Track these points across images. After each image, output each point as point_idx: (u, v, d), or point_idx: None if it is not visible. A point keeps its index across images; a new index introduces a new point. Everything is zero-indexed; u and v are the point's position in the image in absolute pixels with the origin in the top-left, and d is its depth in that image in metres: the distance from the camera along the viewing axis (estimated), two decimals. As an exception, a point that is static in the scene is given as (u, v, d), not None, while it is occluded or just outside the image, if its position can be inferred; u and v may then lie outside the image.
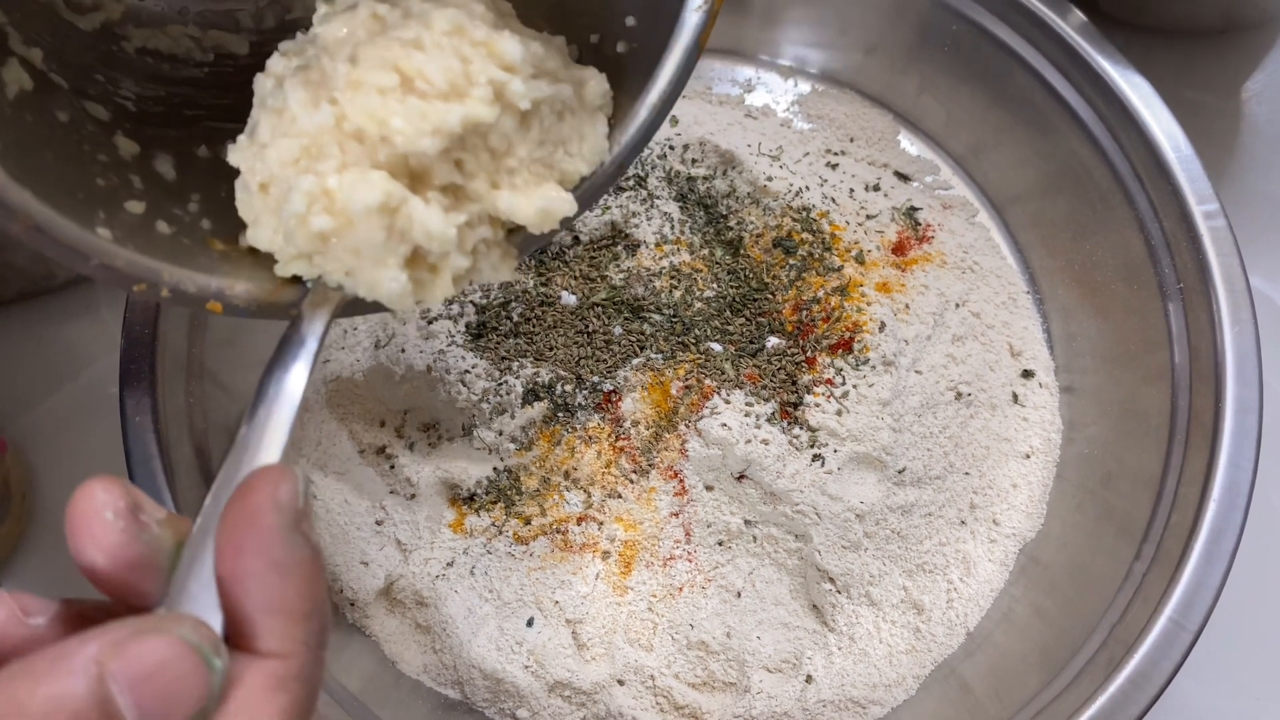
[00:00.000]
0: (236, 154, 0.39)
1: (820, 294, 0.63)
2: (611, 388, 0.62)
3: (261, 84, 0.40)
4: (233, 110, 0.45)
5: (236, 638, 0.30)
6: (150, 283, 0.40)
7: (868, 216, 0.68)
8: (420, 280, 0.38)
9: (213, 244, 0.42)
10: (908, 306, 0.64)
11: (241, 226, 0.41)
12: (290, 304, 0.41)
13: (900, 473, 0.59)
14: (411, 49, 0.37)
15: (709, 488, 0.60)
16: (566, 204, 0.40)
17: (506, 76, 0.37)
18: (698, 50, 0.41)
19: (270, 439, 0.35)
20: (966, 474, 0.62)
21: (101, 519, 0.30)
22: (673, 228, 0.66)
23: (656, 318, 0.63)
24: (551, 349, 0.63)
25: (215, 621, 0.30)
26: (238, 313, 0.41)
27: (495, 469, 0.61)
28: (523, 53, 0.38)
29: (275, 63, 0.39)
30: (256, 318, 0.42)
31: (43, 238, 0.37)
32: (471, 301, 0.64)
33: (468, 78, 0.37)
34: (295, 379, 0.36)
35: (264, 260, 0.41)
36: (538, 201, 0.39)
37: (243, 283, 0.41)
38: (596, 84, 0.41)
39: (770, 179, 0.67)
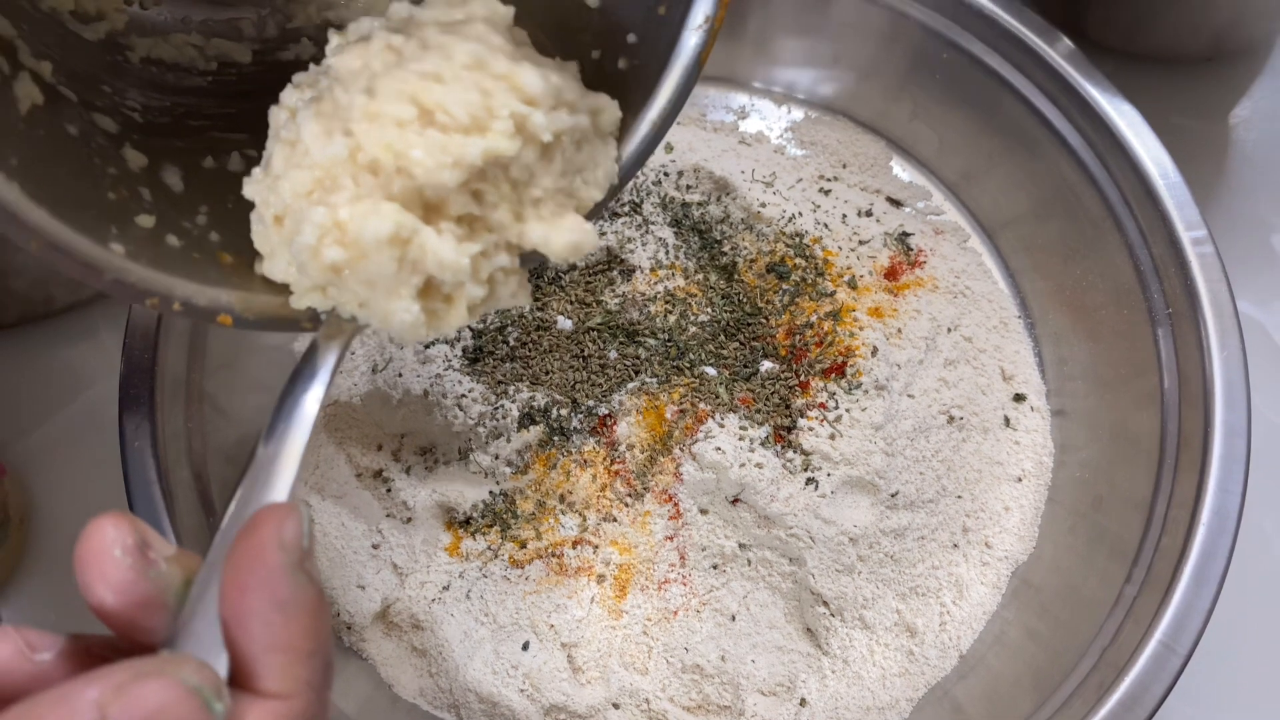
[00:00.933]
0: (251, 187, 0.39)
1: (813, 319, 0.64)
2: (606, 411, 0.62)
3: (275, 116, 0.40)
4: (237, 120, 0.46)
5: (239, 678, 0.30)
6: (162, 297, 0.40)
7: (860, 242, 0.68)
8: (434, 311, 0.38)
9: (222, 258, 0.43)
10: (900, 331, 0.64)
11: (248, 238, 0.41)
12: (300, 318, 0.42)
13: (893, 496, 0.60)
14: (431, 82, 0.37)
15: (703, 511, 0.60)
16: (593, 236, 0.40)
17: (528, 110, 0.37)
18: (698, 68, 0.41)
19: (279, 475, 0.35)
20: (959, 497, 0.63)
21: (110, 556, 0.30)
22: (667, 253, 0.67)
23: (651, 342, 0.64)
24: (547, 373, 0.63)
25: (220, 661, 0.30)
26: (248, 326, 0.42)
27: (491, 492, 0.61)
28: (544, 85, 0.38)
29: (288, 95, 0.40)
30: (267, 330, 0.42)
31: (58, 255, 0.38)
32: (468, 326, 0.64)
33: (489, 111, 0.37)
34: (307, 413, 0.37)
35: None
36: (568, 234, 0.39)
37: (253, 296, 0.42)
38: (611, 112, 0.41)
39: (764, 205, 0.68)
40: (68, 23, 0.45)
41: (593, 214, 0.42)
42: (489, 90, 0.37)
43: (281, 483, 0.35)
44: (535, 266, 0.63)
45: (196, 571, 0.32)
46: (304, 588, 0.30)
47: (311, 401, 0.37)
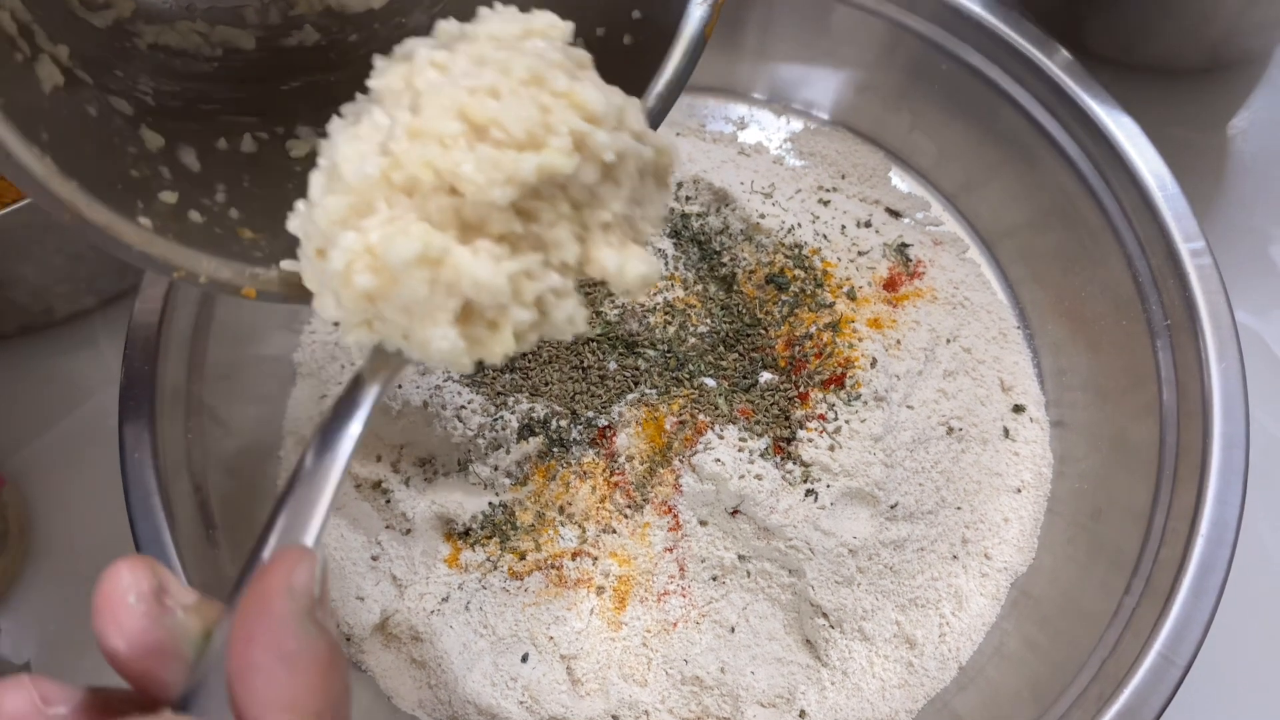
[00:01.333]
0: (295, 220, 0.38)
1: (812, 330, 0.64)
2: (606, 423, 0.62)
3: (322, 149, 0.39)
4: (245, 104, 0.48)
5: None
6: (189, 270, 0.41)
7: (859, 253, 0.68)
8: (477, 337, 0.36)
9: (242, 233, 0.44)
10: (899, 342, 0.65)
11: (266, 214, 0.42)
12: None
13: (892, 508, 0.60)
14: (486, 97, 0.35)
15: (703, 523, 0.60)
16: (658, 269, 0.39)
17: (589, 127, 0.36)
18: (703, 41, 0.43)
19: (307, 517, 0.34)
20: (958, 508, 0.63)
21: (125, 602, 0.29)
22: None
23: (651, 353, 0.64)
24: (547, 384, 0.63)
25: None
26: (272, 299, 0.43)
27: (490, 504, 0.61)
28: (606, 104, 0.36)
29: (334, 125, 0.39)
30: (289, 303, 0.43)
31: (89, 228, 0.39)
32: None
33: (547, 127, 0.35)
34: (342, 452, 0.36)
35: (295, 245, 0.42)
36: (640, 265, 0.37)
37: (275, 269, 0.43)
38: (669, 155, 0.41)
39: (763, 216, 0.68)
40: (76, 10, 0.46)
41: None
42: (548, 106, 0.35)
43: (309, 525, 0.33)
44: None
45: (217, 621, 0.30)
46: (313, 639, 0.29)
47: (348, 440, 0.36)
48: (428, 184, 0.34)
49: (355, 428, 0.36)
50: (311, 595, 0.29)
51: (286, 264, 0.42)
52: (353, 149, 0.36)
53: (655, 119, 0.43)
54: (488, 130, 0.35)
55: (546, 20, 0.39)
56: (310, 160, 0.47)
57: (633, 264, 0.37)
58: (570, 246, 0.36)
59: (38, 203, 0.38)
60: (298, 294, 0.42)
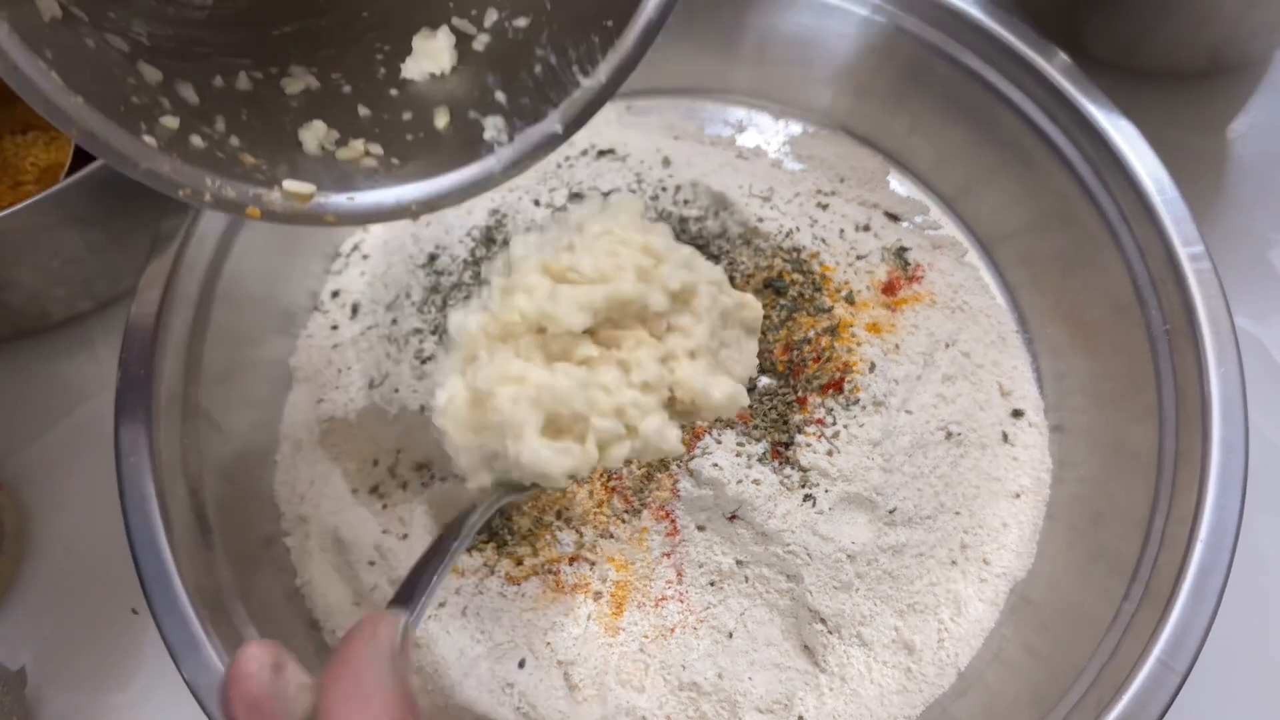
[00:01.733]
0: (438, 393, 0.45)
1: (811, 334, 0.64)
2: (604, 427, 0.62)
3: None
4: (238, 48, 0.50)
5: None
6: (194, 188, 0.44)
7: (858, 257, 0.68)
8: (567, 449, 0.42)
9: (243, 158, 0.46)
10: (898, 346, 0.64)
11: (265, 143, 0.46)
12: (323, 214, 0.46)
13: (891, 513, 0.60)
14: (563, 252, 0.44)
15: (701, 528, 0.60)
16: (745, 396, 0.46)
17: (652, 262, 0.43)
18: None
19: (415, 594, 0.39)
20: (957, 514, 0.62)
21: (250, 669, 0.33)
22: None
23: (649, 357, 0.64)
24: (544, 388, 0.63)
25: None
26: (276, 219, 0.45)
27: (488, 508, 0.61)
28: (669, 245, 0.45)
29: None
30: (292, 224, 0.46)
31: (95, 144, 0.41)
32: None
33: (617, 266, 0.44)
34: (458, 547, 0.42)
35: (296, 170, 0.46)
36: (726, 387, 0.45)
37: (278, 191, 0.45)
38: (754, 309, 0.48)
39: (761, 220, 0.68)
40: None
41: (585, 108, 0.48)
42: (616, 252, 0.44)
43: (412, 602, 0.38)
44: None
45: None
46: (388, 683, 0.33)
47: (463, 541, 0.43)
48: (519, 327, 0.42)
49: (460, 547, 0.43)
50: (393, 645, 0.34)
51: (289, 183, 0.45)
52: (458, 314, 0.45)
53: (646, 38, 0.46)
54: (565, 275, 0.44)
55: (626, 198, 0.50)
56: (305, 96, 0.51)
57: (720, 386, 0.45)
58: (650, 367, 0.44)
59: (46, 116, 0.40)
60: (299, 215, 0.45)
